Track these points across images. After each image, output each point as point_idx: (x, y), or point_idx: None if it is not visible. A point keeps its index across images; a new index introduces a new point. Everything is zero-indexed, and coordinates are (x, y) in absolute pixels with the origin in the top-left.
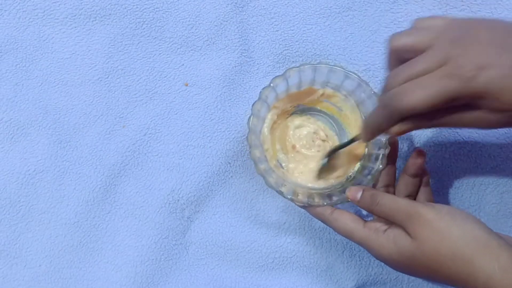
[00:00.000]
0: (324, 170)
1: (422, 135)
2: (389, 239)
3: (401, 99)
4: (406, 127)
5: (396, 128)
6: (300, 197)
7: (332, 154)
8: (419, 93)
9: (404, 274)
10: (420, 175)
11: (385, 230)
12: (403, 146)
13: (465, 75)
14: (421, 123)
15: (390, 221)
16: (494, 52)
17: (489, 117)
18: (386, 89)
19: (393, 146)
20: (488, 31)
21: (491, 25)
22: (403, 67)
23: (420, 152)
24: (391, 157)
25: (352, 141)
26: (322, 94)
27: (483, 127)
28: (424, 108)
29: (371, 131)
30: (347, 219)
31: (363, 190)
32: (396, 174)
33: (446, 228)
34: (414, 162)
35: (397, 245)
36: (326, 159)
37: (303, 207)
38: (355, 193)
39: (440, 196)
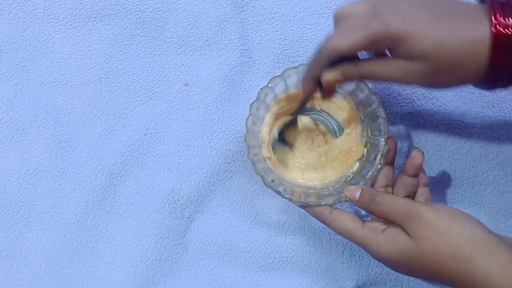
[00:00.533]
0: (281, 148)
1: (421, 135)
2: (388, 239)
3: (329, 40)
4: (334, 74)
5: (327, 75)
6: (298, 196)
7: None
8: (345, 34)
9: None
10: (419, 175)
11: (384, 230)
12: (402, 146)
13: (385, 19)
14: (349, 70)
15: (389, 221)
16: (410, 6)
17: (406, 67)
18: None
19: (391, 146)
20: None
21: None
22: (344, 7)
23: (418, 152)
24: (390, 158)
25: (302, 104)
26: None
27: (407, 81)
28: (348, 47)
29: (306, 78)
30: (346, 219)
31: (362, 190)
32: (395, 175)
33: (445, 227)
34: (412, 163)
35: (396, 244)
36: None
37: (302, 206)
38: (353, 192)
39: (440, 196)
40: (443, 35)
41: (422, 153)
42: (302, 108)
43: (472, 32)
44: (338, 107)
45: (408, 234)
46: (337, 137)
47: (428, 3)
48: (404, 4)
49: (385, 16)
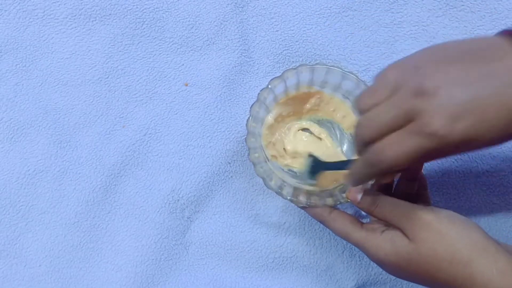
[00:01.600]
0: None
1: None
2: (387, 240)
3: (381, 158)
4: (390, 178)
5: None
6: (299, 197)
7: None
8: (398, 150)
9: None
10: (418, 179)
11: (383, 231)
12: None
13: (439, 133)
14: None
15: (388, 223)
16: (460, 92)
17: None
18: (357, 139)
19: None
20: (442, 66)
21: (441, 56)
22: (370, 118)
23: None
24: None
25: (339, 166)
26: (319, 98)
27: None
28: (405, 164)
29: (356, 182)
30: (345, 220)
31: (363, 192)
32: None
33: (444, 230)
34: (412, 167)
35: (394, 246)
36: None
37: (302, 207)
38: (355, 194)
39: (440, 196)
40: (470, 107)
41: None
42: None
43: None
44: (342, 115)
45: (407, 236)
46: (339, 144)
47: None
48: (445, 84)
49: (437, 128)
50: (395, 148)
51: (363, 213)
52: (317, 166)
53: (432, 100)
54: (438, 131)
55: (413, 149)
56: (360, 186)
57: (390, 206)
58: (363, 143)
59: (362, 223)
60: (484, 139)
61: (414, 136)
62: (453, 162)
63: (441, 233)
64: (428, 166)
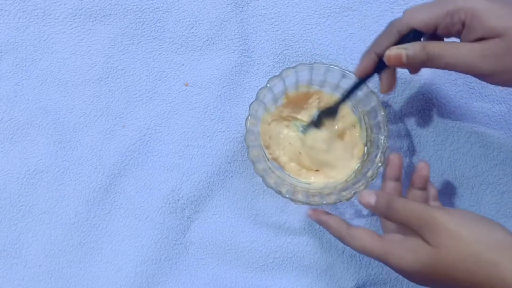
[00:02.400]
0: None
1: (421, 135)
2: (408, 250)
3: (405, 14)
4: (399, 50)
5: (391, 50)
6: (299, 196)
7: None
8: (420, 9)
9: None
10: (427, 188)
11: (402, 241)
12: (402, 146)
13: None
14: (416, 50)
15: (406, 231)
16: None
17: (479, 47)
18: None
19: (397, 161)
20: None
21: None
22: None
23: (424, 164)
24: (396, 173)
25: (357, 84)
26: (318, 98)
27: (477, 66)
28: (422, 21)
29: (368, 51)
30: (363, 236)
31: (377, 196)
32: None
33: (465, 233)
34: (420, 175)
35: (416, 255)
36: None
37: (319, 222)
38: (368, 198)
39: (441, 196)
40: None
41: (428, 165)
42: (356, 86)
43: None
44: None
45: (427, 242)
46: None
47: None
48: None
49: None
50: (420, 8)
51: (364, 211)
52: (322, 113)
53: None
54: None
55: (435, 9)
56: (371, 190)
57: (405, 208)
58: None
59: (379, 236)
60: (480, 23)
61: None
62: (453, 161)
63: (462, 237)
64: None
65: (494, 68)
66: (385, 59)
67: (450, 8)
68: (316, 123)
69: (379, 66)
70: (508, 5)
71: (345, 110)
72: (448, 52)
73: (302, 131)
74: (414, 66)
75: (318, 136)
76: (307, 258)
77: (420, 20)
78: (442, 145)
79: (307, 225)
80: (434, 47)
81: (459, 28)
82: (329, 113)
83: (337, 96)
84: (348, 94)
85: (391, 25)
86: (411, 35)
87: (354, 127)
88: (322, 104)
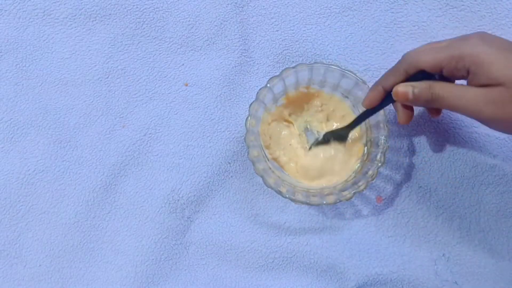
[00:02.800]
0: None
1: (421, 135)
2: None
3: (413, 54)
4: (406, 87)
5: (399, 87)
6: (299, 196)
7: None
8: (428, 50)
9: (404, 274)
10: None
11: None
12: (402, 146)
13: (471, 41)
14: (422, 88)
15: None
16: (492, 39)
17: (483, 93)
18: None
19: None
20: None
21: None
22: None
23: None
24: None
25: (366, 114)
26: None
27: (480, 111)
28: (429, 62)
29: (376, 85)
30: (448, 87)
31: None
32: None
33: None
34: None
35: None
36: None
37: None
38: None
39: (440, 195)
40: None
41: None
42: (364, 116)
43: None
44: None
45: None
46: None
47: (509, 42)
48: (488, 37)
49: (472, 39)
50: (429, 50)
51: (364, 211)
52: (330, 134)
53: (481, 36)
54: (467, 41)
55: (443, 52)
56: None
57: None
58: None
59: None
60: (483, 71)
61: (447, 45)
62: (453, 161)
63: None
64: (428, 166)
65: (496, 115)
66: (393, 94)
67: (456, 53)
68: (323, 142)
69: (387, 99)
70: None
71: (346, 111)
72: (452, 95)
73: (307, 147)
74: (419, 105)
75: (322, 151)
76: (307, 258)
77: (425, 62)
78: (442, 145)
79: (307, 225)
80: (439, 88)
81: (464, 74)
82: (336, 137)
83: (337, 96)
84: (357, 123)
85: (400, 62)
86: (419, 75)
87: None
88: (324, 112)
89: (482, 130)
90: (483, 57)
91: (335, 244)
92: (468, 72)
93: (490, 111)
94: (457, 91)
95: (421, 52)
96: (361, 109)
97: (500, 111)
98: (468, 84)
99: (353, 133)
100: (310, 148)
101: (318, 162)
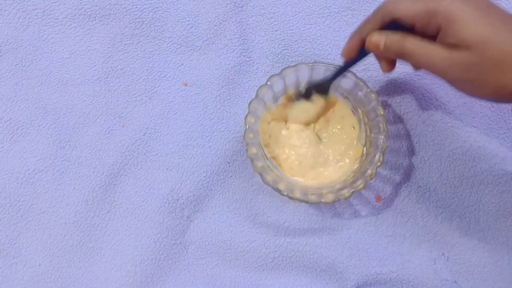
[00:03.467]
0: (302, 110)
1: (421, 135)
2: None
3: (391, 2)
4: (380, 36)
5: (373, 35)
6: (296, 194)
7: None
8: (406, 1)
9: (404, 274)
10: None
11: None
12: (402, 146)
13: None
14: (394, 40)
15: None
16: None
17: (449, 54)
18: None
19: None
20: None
21: None
22: None
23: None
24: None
25: (346, 65)
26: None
27: (445, 71)
28: (405, 13)
29: (353, 34)
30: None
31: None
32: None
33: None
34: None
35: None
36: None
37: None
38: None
39: (439, 195)
40: (497, 28)
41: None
42: (345, 67)
43: None
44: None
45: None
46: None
47: (492, 3)
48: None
49: None
50: (409, 2)
51: (362, 212)
52: (312, 87)
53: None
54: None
55: (421, 3)
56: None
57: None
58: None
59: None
60: (455, 30)
61: None
62: (452, 161)
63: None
64: (428, 166)
65: (460, 77)
66: (366, 43)
67: (431, 8)
68: (305, 96)
69: (364, 50)
70: (490, 15)
71: (345, 111)
72: (421, 52)
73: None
74: (390, 56)
75: (304, 108)
76: (306, 258)
77: (400, 12)
78: (441, 145)
79: (307, 225)
80: (410, 43)
81: (435, 31)
82: (319, 89)
83: (337, 96)
84: (337, 74)
85: (378, 9)
86: (396, 24)
87: (354, 128)
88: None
89: (481, 130)
90: (455, 16)
91: (335, 244)
92: (439, 28)
93: (454, 74)
94: (426, 48)
95: (399, 1)
96: (361, 110)
97: (463, 75)
98: (438, 41)
99: (351, 133)
100: (295, 100)
101: (311, 149)
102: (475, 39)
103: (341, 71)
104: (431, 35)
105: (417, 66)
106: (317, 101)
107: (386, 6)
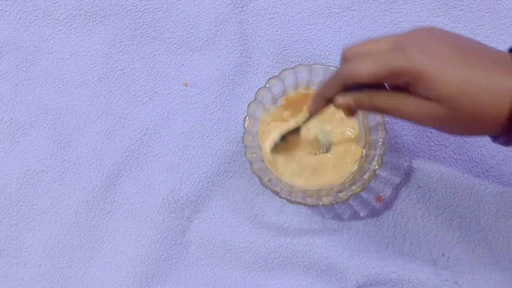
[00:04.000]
0: (280, 148)
1: (420, 135)
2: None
3: (350, 66)
4: (346, 99)
5: (339, 100)
6: (295, 196)
7: (287, 134)
8: (366, 62)
9: (404, 274)
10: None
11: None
12: (401, 146)
13: (410, 54)
14: (362, 100)
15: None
16: (437, 45)
17: (423, 107)
18: (342, 56)
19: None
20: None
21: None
22: (361, 44)
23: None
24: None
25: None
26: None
27: (422, 122)
28: (367, 76)
29: (317, 96)
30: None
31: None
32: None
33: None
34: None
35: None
36: (280, 137)
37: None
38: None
39: (439, 196)
40: (466, 81)
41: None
42: (308, 120)
43: (495, 82)
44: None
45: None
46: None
47: (457, 45)
48: (431, 42)
49: (410, 51)
50: (366, 60)
51: (361, 213)
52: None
53: (416, 42)
54: (409, 52)
55: (381, 63)
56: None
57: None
58: (344, 59)
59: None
60: (430, 85)
61: (387, 54)
62: (452, 162)
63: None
64: (428, 167)
65: (434, 127)
66: (334, 105)
67: (393, 68)
68: (282, 140)
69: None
70: (457, 66)
71: None
72: (394, 105)
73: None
74: (365, 111)
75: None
76: (307, 258)
77: (361, 77)
78: (442, 145)
79: (307, 225)
80: (380, 100)
81: (404, 85)
82: (293, 133)
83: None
84: (306, 121)
85: (337, 74)
86: (357, 86)
87: (353, 129)
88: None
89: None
90: (420, 73)
91: (335, 244)
92: (408, 84)
93: (430, 124)
94: (398, 101)
95: (358, 64)
96: (361, 110)
97: (438, 124)
98: (411, 92)
99: (350, 135)
100: (275, 147)
101: (311, 160)
102: (444, 95)
103: (309, 118)
104: (402, 86)
105: (393, 117)
106: (293, 136)
107: (344, 71)
